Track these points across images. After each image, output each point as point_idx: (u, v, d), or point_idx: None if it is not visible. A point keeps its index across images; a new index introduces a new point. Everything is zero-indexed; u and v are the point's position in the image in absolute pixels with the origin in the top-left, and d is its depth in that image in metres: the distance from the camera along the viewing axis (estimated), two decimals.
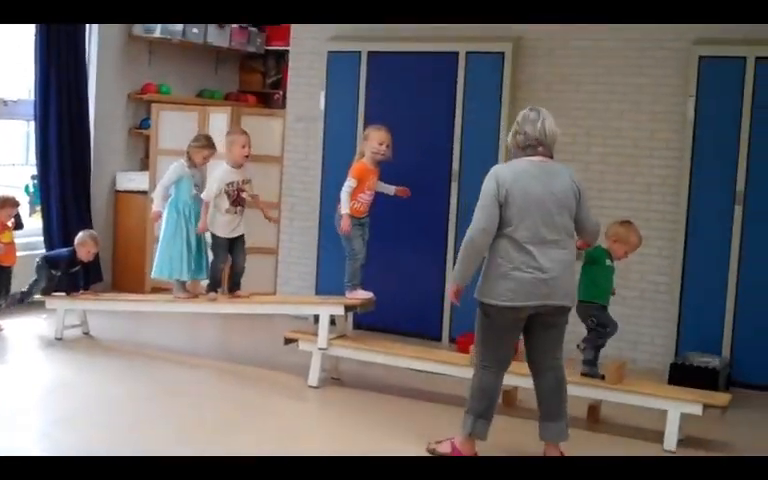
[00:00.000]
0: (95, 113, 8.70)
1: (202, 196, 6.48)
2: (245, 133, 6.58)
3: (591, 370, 5.42)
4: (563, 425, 4.78)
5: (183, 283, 6.76)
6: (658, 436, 5.23)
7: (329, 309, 6.14)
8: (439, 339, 7.35)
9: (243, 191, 6.54)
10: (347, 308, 6.20)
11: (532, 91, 7.26)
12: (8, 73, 8.38)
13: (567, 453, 4.82)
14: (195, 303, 6.91)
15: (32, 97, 8.13)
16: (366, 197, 6.21)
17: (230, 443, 4.97)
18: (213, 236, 6.58)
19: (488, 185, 4.60)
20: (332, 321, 6.20)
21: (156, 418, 5.38)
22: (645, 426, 5.48)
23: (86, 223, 8.32)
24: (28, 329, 7.17)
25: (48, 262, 7.07)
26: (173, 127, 8.67)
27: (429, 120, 7.44)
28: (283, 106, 8.75)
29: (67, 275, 7.03)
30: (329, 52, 7.77)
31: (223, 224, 6.51)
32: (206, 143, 6.72)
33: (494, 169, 4.68)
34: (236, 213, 6.52)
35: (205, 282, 6.82)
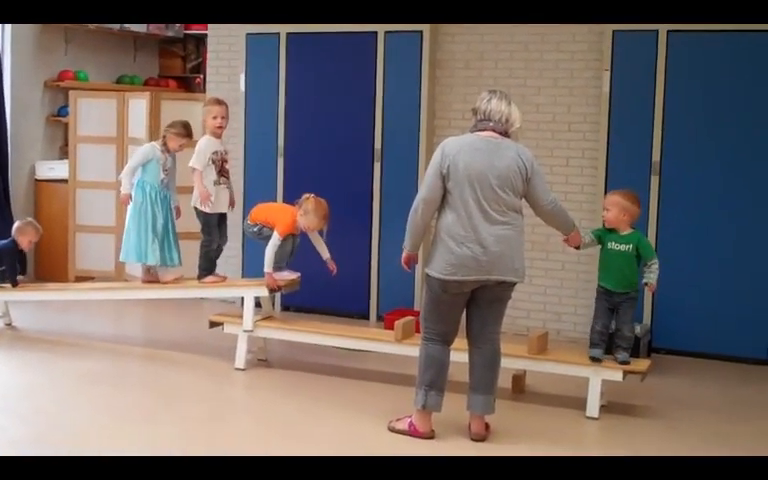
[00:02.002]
0: (11, 102, 8.58)
1: (193, 165, 6.22)
2: (219, 103, 6.41)
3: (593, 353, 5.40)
4: (491, 399, 4.85)
5: (149, 267, 6.59)
6: (581, 403, 5.33)
7: (253, 291, 6.13)
8: (367, 317, 7.40)
9: (226, 162, 6.41)
10: (271, 290, 6.20)
11: (451, 69, 7.33)
12: None
13: (492, 424, 4.91)
14: (127, 290, 6.94)
15: None
16: None
17: (155, 429, 4.94)
18: (202, 215, 6.33)
19: (434, 156, 4.71)
20: (257, 303, 6.20)
21: (79, 406, 5.32)
22: (568, 394, 5.58)
23: (5, 214, 8.20)
24: None
25: None
26: (92, 114, 8.58)
27: (350, 100, 7.46)
28: (204, 90, 8.69)
29: (12, 267, 6.90)
30: (247, 34, 7.73)
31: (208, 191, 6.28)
32: (184, 131, 6.53)
33: (443, 141, 4.77)
34: (221, 185, 6.36)
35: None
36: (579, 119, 7.01)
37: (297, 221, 6.06)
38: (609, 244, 5.40)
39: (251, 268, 7.51)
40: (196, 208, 6.34)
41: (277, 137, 7.64)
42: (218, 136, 6.38)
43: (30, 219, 7.19)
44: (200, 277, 6.45)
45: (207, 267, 6.44)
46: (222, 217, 6.45)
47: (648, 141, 6.66)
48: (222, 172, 6.36)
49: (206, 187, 6.24)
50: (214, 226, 6.38)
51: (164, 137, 6.54)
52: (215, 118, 6.34)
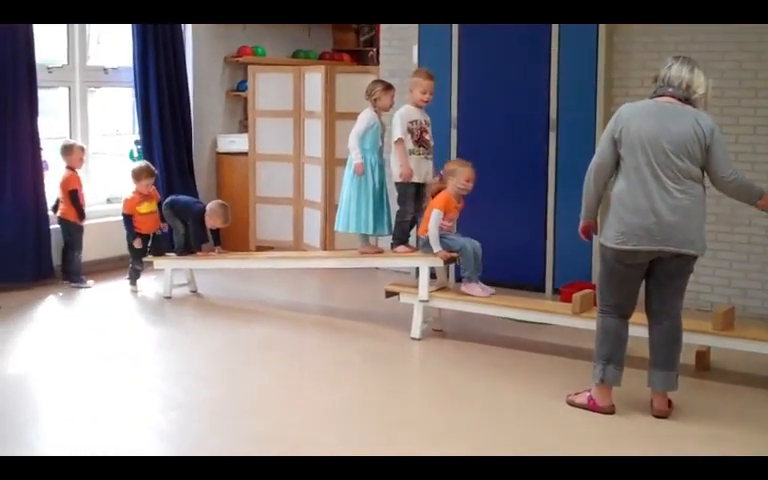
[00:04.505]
0: (193, 78, 8.86)
1: (396, 136, 6.25)
2: (431, 78, 6.40)
3: None
4: (673, 375, 4.71)
5: (368, 237, 6.58)
6: None
7: (429, 261, 6.15)
8: (542, 289, 7.29)
9: (426, 132, 6.41)
10: (446, 260, 6.21)
11: (629, 34, 7.10)
12: (109, 41, 8.57)
13: (675, 402, 4.76)
14: (305, 259, 7.17)
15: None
16: (448, 223, 6.12)
17: (330, 397, 5.04)
18: (398, 184, 6.34)
19: (610, 121, 4.64)
20: (433, 274, 6.22)
21: (259, 372, 5.48)
22: (756, 373, 5.36)
23: (190, 186, 8.52)
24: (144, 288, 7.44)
25: (175, 210, 7.29)
26: (269, 88, 8.78)
27: (524, 68, 7.34)
28: (378, 63, 8.75)
29: (197, 234, 7.24)
30: None
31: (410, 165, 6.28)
32: (386, 84, 6.53)
33: (620, 107, 4.67)
34: (420, 155, 6.34)
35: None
36: (767, 85, 6.67)
37: (451, 192, 6.05)
38: None
39: None
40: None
41: (450, 108, 7.60)
42: (420, 107, 6.37)
43: (224, 205, 7.35)
44: (393, 246, 6.48)
45: (400, 237, 6.45)
46: (419, 188, 6.42)
47: None
48: (420, 142, 6.34)
49: (396, 160, 6.27)
50: (410, 197, 6.37)
51: (374, 101, 6.45)
52: (423, 93, 6.33)
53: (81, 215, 7.47)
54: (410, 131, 6.30)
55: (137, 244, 7.28)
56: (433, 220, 6.05)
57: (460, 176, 6.06)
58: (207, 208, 7.25)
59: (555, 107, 7.20)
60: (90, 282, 7.47)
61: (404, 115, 6.32)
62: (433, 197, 6.16)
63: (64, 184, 7.45)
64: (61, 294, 7.25)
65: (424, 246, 6.19)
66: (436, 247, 6.06)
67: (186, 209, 7.30)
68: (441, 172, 6.17)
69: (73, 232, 7.47)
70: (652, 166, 4.47)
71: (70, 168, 7.50)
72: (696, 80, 4.58)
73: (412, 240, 6.60)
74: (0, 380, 5.21)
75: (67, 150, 7.54)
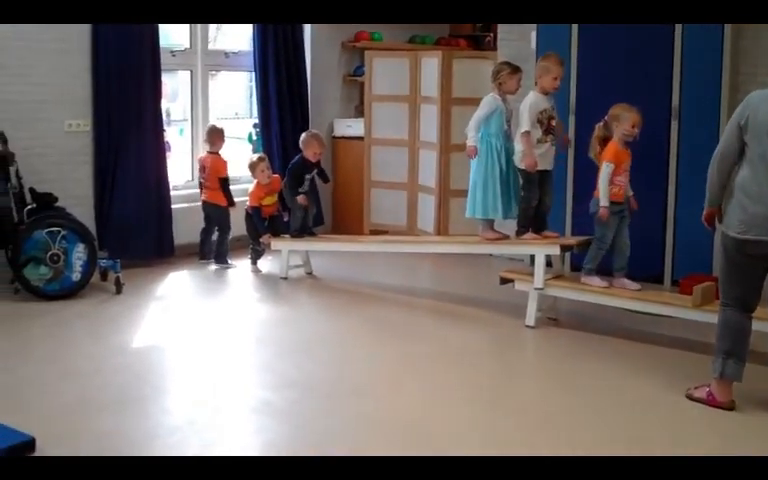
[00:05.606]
0: (311, 62, 8.94)
1: (524, 128, 6.14)
2: (562, 64, 6.26)
3: None
4: None
5: (491, 222, 6.51)
6: None
7: (545, 249, 6.08)
8: (661, 281, 7.11)
9: (553, 119, 6.28)
10: (563, 248, 6.13)
11: None
12: (229, 26, 8.74)
13: None
14: (419, 243, 7.14)
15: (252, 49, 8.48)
16: (622, 179, 5.88)
17: (446, 381, 5.04)
18: (523, 171, 6.23)
19: (737, 108, 4.51)
20: (548, 262, 6.14)
21: (369, 354, 5.52)
22: None
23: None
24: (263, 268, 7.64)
25: (286, 184, 7.40)
26: (386, 73, 8.81)
27: (646, 53, 7.16)
28: (494, 48, 8.68)
29: (296, 181, 7.31)
30: None
31: (535, 156, 6.19)
32: (512, 67, 6.40)
33: (750, 94, 4.54)
34: (547, 142, 6.24)
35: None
36: None
37: (617, 141, 5.83)
38: None
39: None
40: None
41: (569, 94, 7.49)
42: (548, 93, 6.25)
43: (315, 132, 7.52)
44: (518, 233, 6.38)
45: (525, 223, 6.33)
46: (545, 175, 6.31)
47: None
48: (548, 129, 6.23)
49: (532, 149, 6.16)
50: (534, 183, 6.24)
51: (499, 85, 6.35)
52: (555, 79, 6.20)
53: (231, 202, 7.64)
54: (539, 122, 6.18)
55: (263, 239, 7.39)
56: (603, 174, 5.79)
57: (625, 121, 5.80)
58: (301, 145, 7.33)
59: (678, 94, 7.02)
60: (233, 263, 7.65)
61: (533, 106, 6.17)
62: (600, 145, 5.93)
63: (214, 170, 7.61)
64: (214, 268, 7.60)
65: (594, 209, 5.91)
66: (604, 201, 5.80)
67: (291, 169, 7.37)
68: (606, 117, 5.93)
69: (221, 215, 7.64)
70: None
71: (214, 153, 7.66)
72: None
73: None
74: (125, 354, 5.39)
75: (213, 134, 7.69)
